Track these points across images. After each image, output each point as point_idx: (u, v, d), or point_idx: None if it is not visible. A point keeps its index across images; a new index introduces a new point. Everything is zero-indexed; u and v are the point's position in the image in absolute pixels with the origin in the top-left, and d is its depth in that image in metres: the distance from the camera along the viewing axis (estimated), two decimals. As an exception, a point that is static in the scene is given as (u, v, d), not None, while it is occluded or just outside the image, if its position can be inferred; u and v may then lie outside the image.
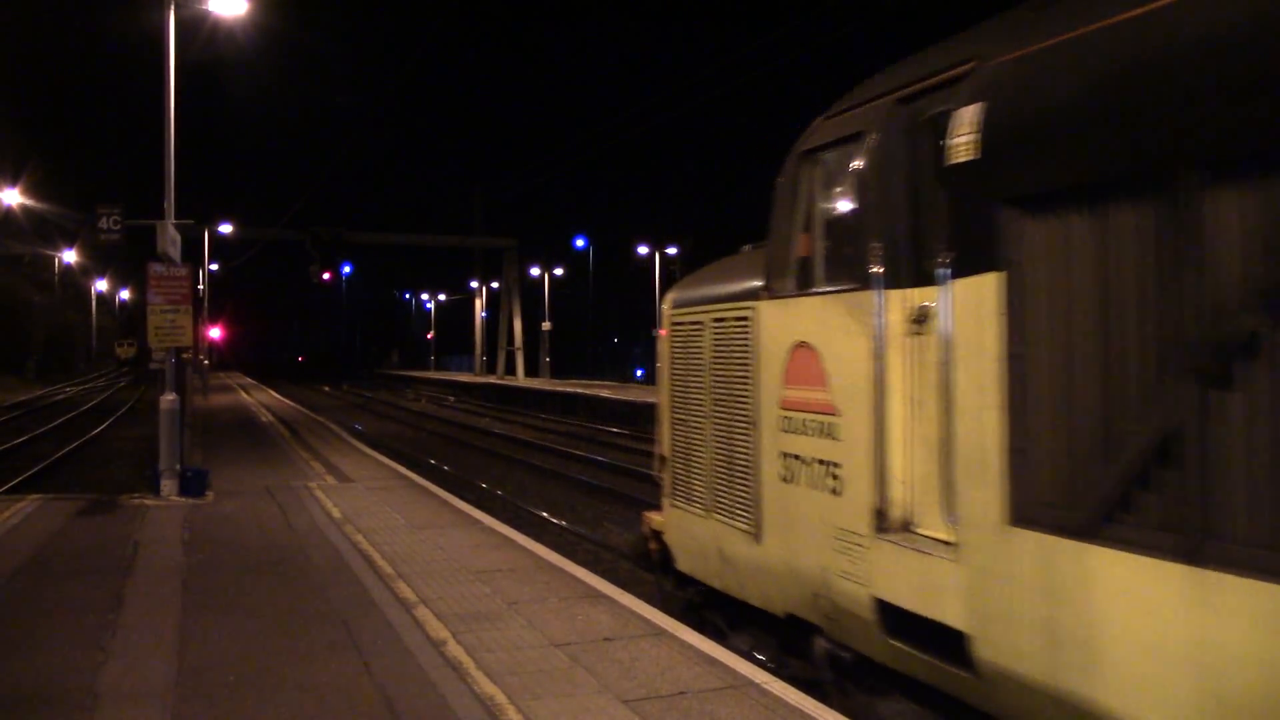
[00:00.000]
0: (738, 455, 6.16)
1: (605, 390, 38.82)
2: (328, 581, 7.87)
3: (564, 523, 14.06)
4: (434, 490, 13.41)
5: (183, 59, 13.25)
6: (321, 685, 5.45)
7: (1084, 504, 3.55)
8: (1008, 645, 3.89)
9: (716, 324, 6.51)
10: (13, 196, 42.17)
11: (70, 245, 59.48)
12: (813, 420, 5.26)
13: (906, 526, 4.68)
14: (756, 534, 5.90)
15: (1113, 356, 3.47)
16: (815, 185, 5.54)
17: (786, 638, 5.96)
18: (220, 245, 48.23)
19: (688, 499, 6.95)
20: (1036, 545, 3.73)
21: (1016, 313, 3.85)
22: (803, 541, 5.38)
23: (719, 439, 6.43)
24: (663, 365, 7.51)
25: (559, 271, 55.12)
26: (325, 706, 5.14)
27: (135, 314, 79.88)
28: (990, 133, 3.99)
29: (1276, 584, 2.88)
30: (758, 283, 5.94)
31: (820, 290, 5.34)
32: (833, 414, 5.08)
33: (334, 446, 19.38)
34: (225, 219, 44.38)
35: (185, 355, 14.84)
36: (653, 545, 7.68)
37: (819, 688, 5.49)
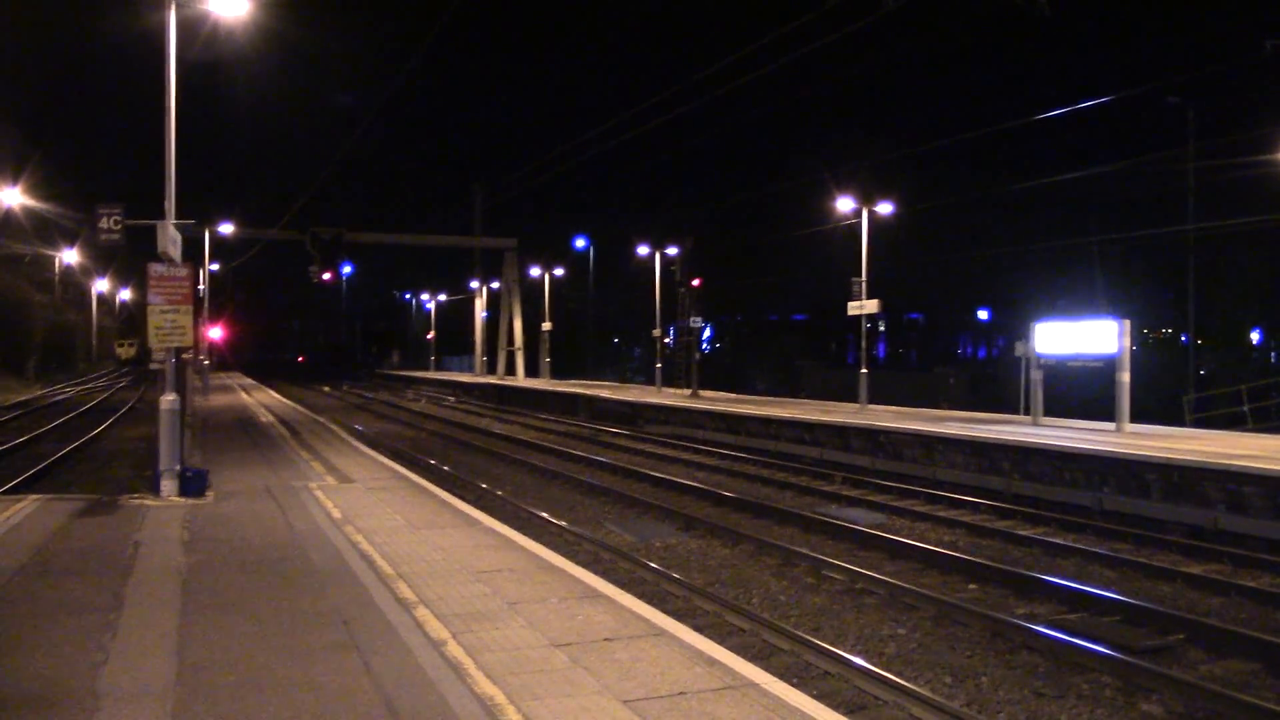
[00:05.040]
0: None
1: (605, 390, 38.81)
2: (328, 582, 7.87)
3: (564, 523, 14.06)
4: (434, 490, 13.41)
5: (183, 59, 13.23)
6: (321, 685, 5.45)
7: None
8: None
9: None
10: (13, 196, 42.15)
11: (70, 245, 59.51)
12: None
13: None
14: None
15: None
16: None
17: None
18: (220, 245, 48.18)
19: None
20: None
21: None
22: None
23: None
24: None
25: (559, 271, 54.95)
26: (325, 706, 5.14)
27: (135, 314, 79.85)
28: None
29: None
30: None
31: None
32: None
33: (334, 447, 19.38)
34: (225, 219, 44.27)
35: (185, 355, 14.84)
36: None
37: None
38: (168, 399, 12.27)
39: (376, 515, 11.08)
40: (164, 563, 8.58)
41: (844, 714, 5.55)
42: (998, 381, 41.27)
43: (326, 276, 44.13)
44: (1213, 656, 8.36)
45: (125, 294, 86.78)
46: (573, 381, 49.59)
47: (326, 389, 62.37)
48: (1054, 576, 10.75)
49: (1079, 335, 19.22)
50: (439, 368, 76.29)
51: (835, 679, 7.62)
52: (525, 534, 10.54)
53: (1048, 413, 20.72)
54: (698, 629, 7.50)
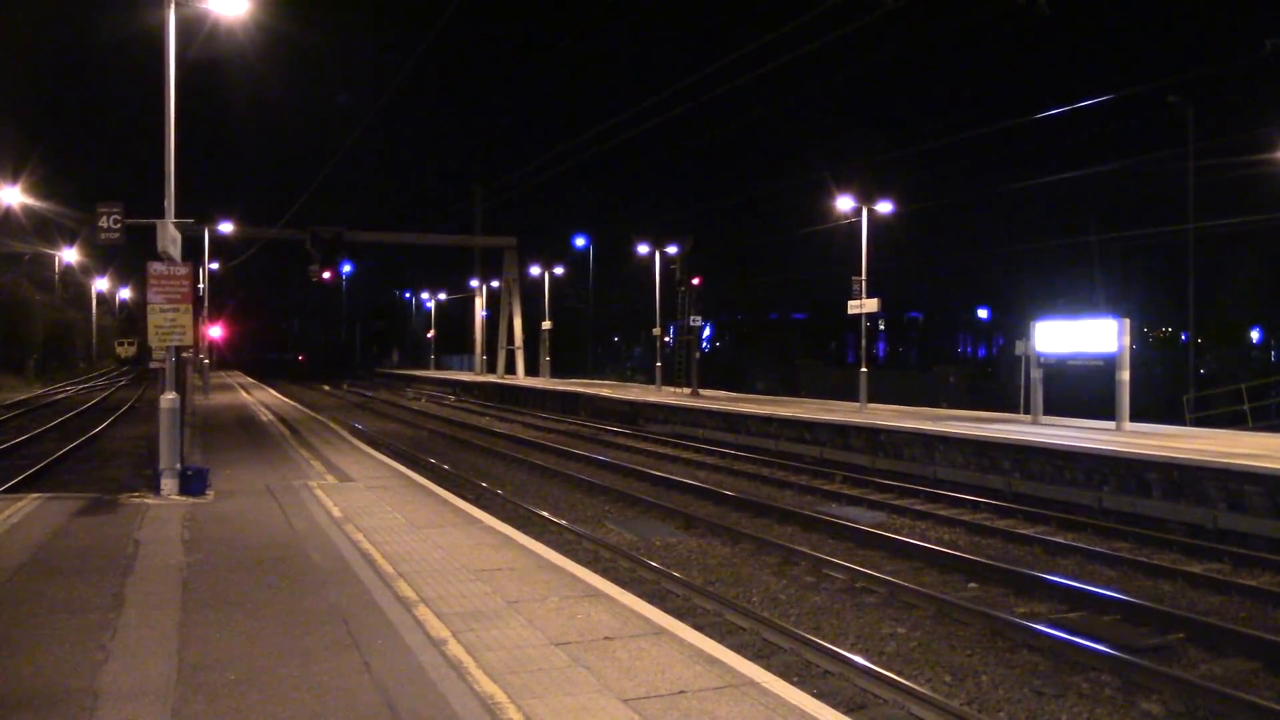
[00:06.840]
0: None
1: (605, 389, 38.81)
2: (328, 580, 7.87)
3: (564, 522, 14.06)
4: (434, 489, 13.41)
5: (183, 59, 13.23)
6: (322, 684, 5.45)
7: None
8: None
9: None
10: (13, 195, 42.13)
11: (70, 244, 59.49)
12: None
13: None
14: None
15: None
16: None
17: None
18: (220, 244, 48.15)
19: None
20: None
21: None
22: None
23: None
24: None
25: (559, 270, 54.94)
26: (325, 705, 5.14)
27: (135, 313, 79.89)
28: None
29: None
30: None
31: None
32: None
33: (334, 445, 19.38)
34: (225, 218, 44.28)
35: (185, 354, 14.83)
36: None
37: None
38: (167, 398, 12.27)
39: (377, 514, 11.08)
40: (164, 561, 8.58)
41: (844, 713, 5.55)
42: (997, 381, 41.28)
43: (326, 276, 43.98)
44: (1213, 655, 8.36)
45: (125, 293, 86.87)
46: (573, 380, 49.58)
47: (326, 388, 62.39)
48: (1054, 575, 10.75)
49: (1079, 334, 19.21)
50: (439, 366, 76.29)
51: (835, 678, 7.62)
52: (526, 533, 10.54)
53: (1048, 412, 20.72)
54: (698, 628, 7.50)
